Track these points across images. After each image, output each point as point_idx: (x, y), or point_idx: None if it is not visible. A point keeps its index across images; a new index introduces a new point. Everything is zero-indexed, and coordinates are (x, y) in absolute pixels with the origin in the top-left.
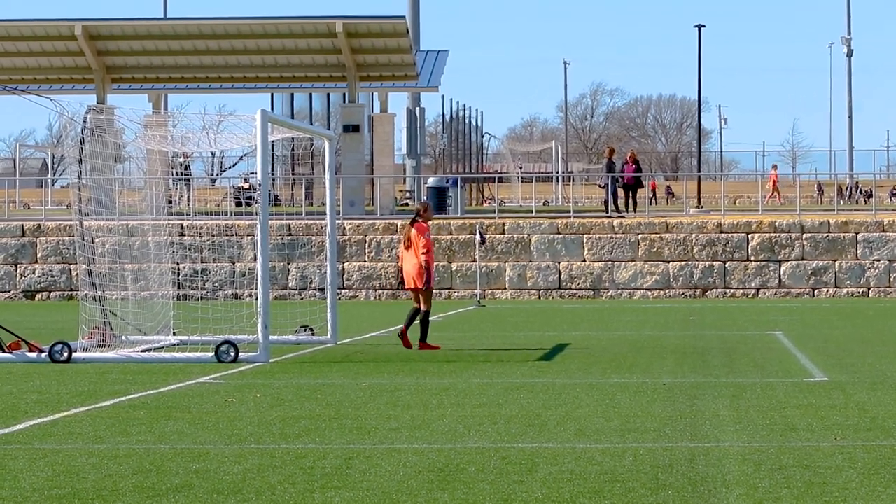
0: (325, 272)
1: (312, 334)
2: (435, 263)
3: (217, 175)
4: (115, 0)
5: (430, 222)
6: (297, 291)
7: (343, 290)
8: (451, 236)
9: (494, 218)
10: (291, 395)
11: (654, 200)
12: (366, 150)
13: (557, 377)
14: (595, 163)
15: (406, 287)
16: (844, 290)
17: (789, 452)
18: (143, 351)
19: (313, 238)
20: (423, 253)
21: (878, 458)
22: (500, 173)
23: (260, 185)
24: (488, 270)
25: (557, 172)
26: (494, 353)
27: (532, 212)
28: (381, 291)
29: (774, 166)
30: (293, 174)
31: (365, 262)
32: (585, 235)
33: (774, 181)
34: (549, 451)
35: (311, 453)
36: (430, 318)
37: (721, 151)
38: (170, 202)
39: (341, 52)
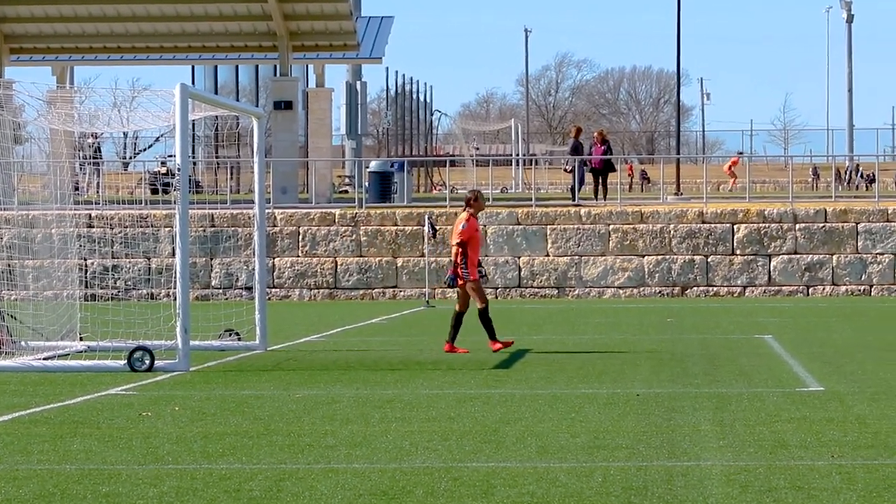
0: (254, 269)
1: (238, 339)
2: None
3: (130, 158)
4: None
5: (480, 211)
6: (221, 291)
7: (273, 289)
8: (396, 228)
9: (446, 207)
10: (214, 408)
11: (629, 187)
12: (300, 130)
13: (517, 387)
14: (560, 144)
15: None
16: (843, 288)
17: (780, 472)
18: (45, 359)
19: (240, 230)
20: (455, 244)
21: (881, 478)
22: (453, 156)
23: (179, 169)
24: (438, 266)
25: (517, 155)
26: (445, 359)
27: (488, 200)
28: (316, 290)
29: (740, 153)
30: (217, 157)
31: (298, 257)
32: (549, 226)
33: (731, 166)
34: (506, 471)
35: (236, 474)
36: (382, 321)
37: (703, 131)
38: (76, 189)
39: (271, 18)
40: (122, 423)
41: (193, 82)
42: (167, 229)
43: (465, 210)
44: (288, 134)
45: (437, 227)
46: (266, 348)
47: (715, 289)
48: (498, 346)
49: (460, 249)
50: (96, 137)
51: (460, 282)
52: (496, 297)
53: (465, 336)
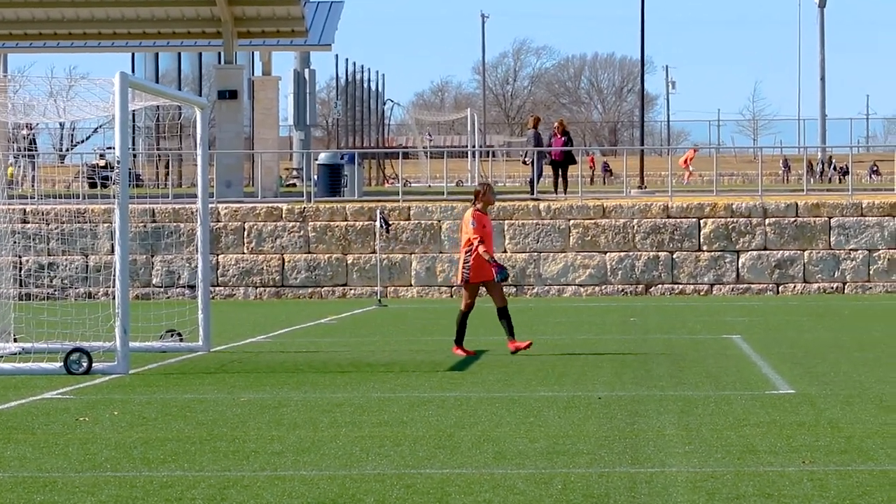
0: (196, 266)
1: (181, 340)
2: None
3: (67, 150)
4: None
5: (490, 206)
6: (162, 289)
7: (217, 288)
8: (346, 223)
9: (398, 201)
10: (155, 412)
11: (591, 180)
12: (245, 121)
13: (472, 390)
14: (518, 135)
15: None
16: (815, 286)
17: (749, 479)
18: None
19: (182, 225)
20: (477, 242)
21: (854, 485)
22: (405, 148)
23: (119, 162)
24: (391, 263)
25: (473, 147)
26: (398, 361)
27: (443, 193)
28: (262, 289)
29: (695, 146)
30: (158, 149)
31: (244, 253)
32: (507, 221)
33: (688, 159)
34: (462, 478)
35: (178, 482)
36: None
37: (668, 121)
38: (10, 183)
39: (215, 3)
40: (58, 428)
41: (133, 70)
42: (106, 225)
43: (472, 205)
44: (232, 125)
45: (390, 223)
46: (210, 350)
47: (680, 287)
48: (460, 351)
49: (477, 245)
50: (31, 129)
51: (469, 279)
52: (451, 296)
53: (473, 336)
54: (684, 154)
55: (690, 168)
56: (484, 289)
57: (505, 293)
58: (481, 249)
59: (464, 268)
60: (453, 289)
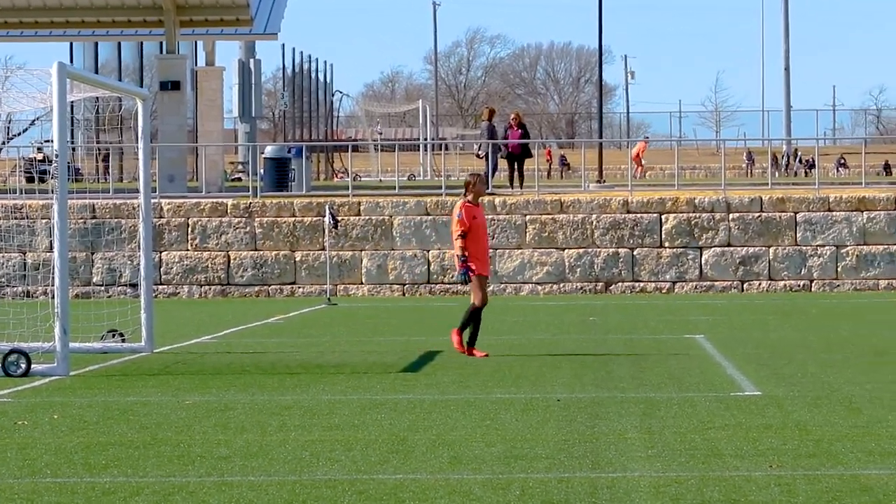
0: (139, 264)
1: (123, 341)
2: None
3: (3, 143)
4: None
5: (481, 198)
6: (103, 288)
7: (161, 286)
8: (294, 219)
9: (348, 196)
10: (97, 416)
11: (548, 174)
12: (188, 113)
13: (427, 392)
14: (472, 127)
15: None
16: (781, 283)
17: (713, 484)
18: None
19: (123, 221)
20: (457, 236)
21: (823, 490)
22: (355, 140)
23: (57, 155)
24: (340, 261)
25: (425, 139)
26: (348, 362)
27: (394, 188)
28: (207, 287)
29: (646, 139)
30: (98, 143)
31: (188, 251)
32: None
33: (639, 153)
34: (416, 484)
35: (121, 488)
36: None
37: (627, 113)
38: None
39: None
40: None
41: (72, 61)
42: (44, 221)
43: (462, 197)
44: (175, 117)
45: (339, 218)
46: (153, 351)
47: (641, 284)
48: (476, 353)
49: (463, 241)
50: None
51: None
52: (403, 294)
53: (425, 335)
54: (635, 147)
55: (643, 162)
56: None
57: (487, 294)
58: (457, 244)
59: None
60: (405, 287)
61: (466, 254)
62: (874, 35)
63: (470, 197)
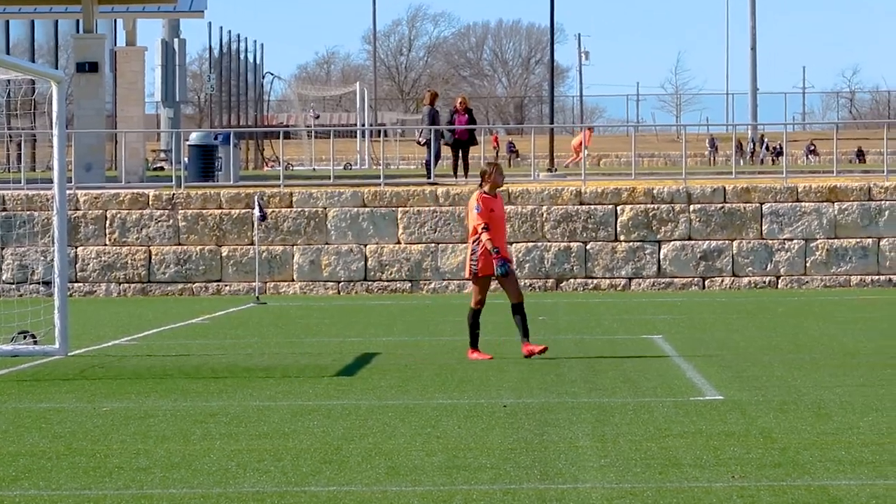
0: (52, 260)
1: (35, 343)
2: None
3: None
4: None
5: (499, 188)
6: (14, 286)
7: (76, 284)
8: (220, 211)
9: (279, 186)
10: (6, 424)
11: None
12: (107, 97)
13: (363, 397)
14: (413, 112)
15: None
16: (745, 280)
17: (671, 495)
18: None
19: (36, 214)
20: (481, 229)
21: (789, 502)
22: (287, 127)
23: None
24: (270, 256)
25: (363, 125)
26: (279, 365)
27: (329, 178)
28: (127, 285)
29: (590, 129)
30: (9, 129)
31: (105, 245)
32: (401, 209)
33: (582, 143)
34: (351, 496)
35: (33, 501)
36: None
37: (581, 96)
38: None
39: None
40: None
41: None
42: None
43: (479, 188)
44: (93, 101)
45: (268, 210)
46: (67, 353)
47: (595, 281)
48: (476, 355)
49: (488, 234)
50: None
51: (478, 272)
52: (338, 293)
53: (361, 337)
54: (577, 136)
55: (585, 151)
56: (479, 283)
57: (521, 288)
58: (485, 237)
59: (471, 260)
60: (340, 284)
61: (497, 246)
62: (847, 12)
63: (486, 188)
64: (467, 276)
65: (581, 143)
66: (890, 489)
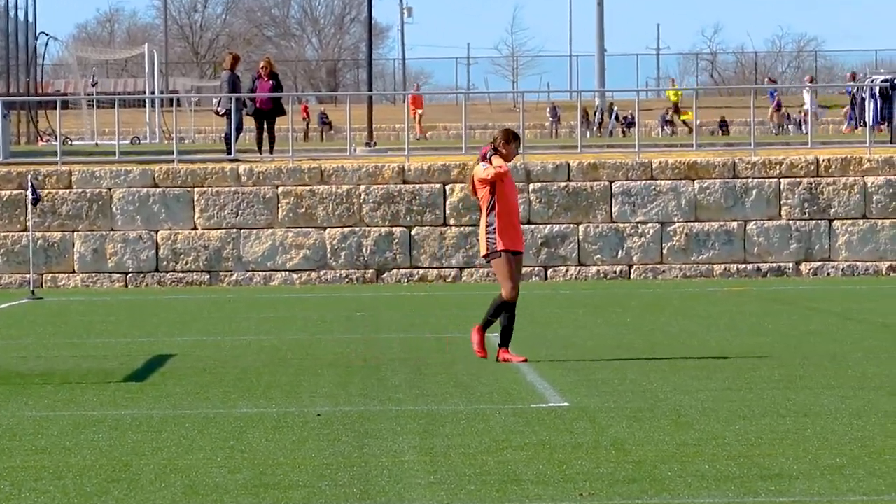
0: None
1: None
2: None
3: None
4: None
5: (509, 159)
6: None
7: None
8: None
9: (56, 164)
10: None
11: (305, 135)
12: None
13: (155, 406)
14: (211, 78)
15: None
16: (593, 269)
17: None
18: None
19: None
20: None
21: None
22: (65, 95)
23: None
24: (47, 244)
25: (153, 93)
26: (58, 370)
27: (114, 154)
28: None
29: (417, 86)
30: None
31: None
32: (197, 189)
33: (414, 108)
34: None
35: None
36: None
37: (403, 59)
38: None
39: None
40: None
41: None
42: None
43: (482, 160)
44: None
45: (44, 192)
46: None
47: (421, 272)
48: (509, 356)
49: (494, 172)
50: None
51: (495, 252)
52: (126, 286)
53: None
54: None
55: (414, 120)
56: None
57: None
58: (496, 162)
59: (488, 235)
60: (128, 276)
61: (510, 221)
62: None
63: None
64: (484, 254)
65: (415, 112)
66: None
